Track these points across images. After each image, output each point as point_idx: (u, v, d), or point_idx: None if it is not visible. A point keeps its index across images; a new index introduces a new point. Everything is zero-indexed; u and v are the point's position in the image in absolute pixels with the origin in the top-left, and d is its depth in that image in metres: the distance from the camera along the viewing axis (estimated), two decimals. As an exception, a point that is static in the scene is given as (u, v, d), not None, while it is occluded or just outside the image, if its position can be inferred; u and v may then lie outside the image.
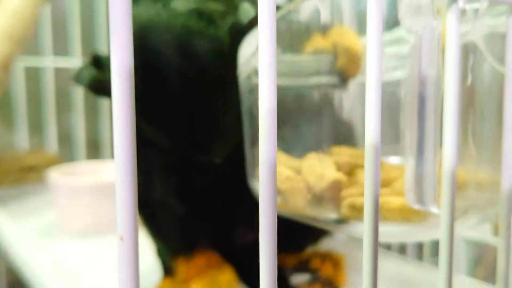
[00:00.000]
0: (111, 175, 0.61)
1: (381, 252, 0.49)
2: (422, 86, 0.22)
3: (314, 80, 0.30)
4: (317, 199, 0.25)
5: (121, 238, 0.13)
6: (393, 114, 0.24)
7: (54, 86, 0.82)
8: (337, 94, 0.30)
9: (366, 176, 0.17)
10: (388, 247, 0.53)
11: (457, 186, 0.24)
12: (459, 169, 0.24)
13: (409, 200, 0.22)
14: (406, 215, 0.23)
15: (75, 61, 0.83)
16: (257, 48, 0.28)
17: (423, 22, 0.20)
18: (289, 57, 0.30)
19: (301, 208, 0.26)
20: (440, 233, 0.20)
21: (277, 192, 0.27)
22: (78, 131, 0.85)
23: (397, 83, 0.24)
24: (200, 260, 0.34)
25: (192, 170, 0.35)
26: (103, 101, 0.88)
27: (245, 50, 0.29)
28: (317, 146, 0.28)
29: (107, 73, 0.32)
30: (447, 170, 0.19)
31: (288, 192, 0.26)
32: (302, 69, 0.30)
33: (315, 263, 0.38)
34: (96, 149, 0.88)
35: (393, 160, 0.25)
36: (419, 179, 0.21)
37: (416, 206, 0.22)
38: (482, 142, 0.24)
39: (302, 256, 0.40)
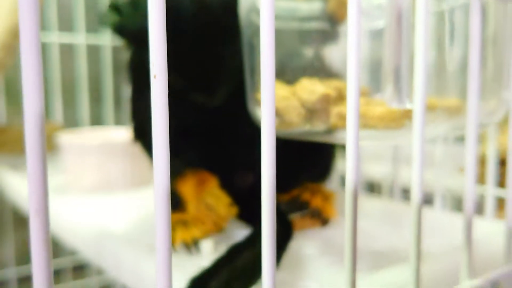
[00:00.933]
0: (117, 138, 0.64)
1: (370, 196, 0.52)
2: (400, 14, 0.25)
3: (307, 24, 0.34)
4: (310, 113, 0.29)
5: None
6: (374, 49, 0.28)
7: (59, 61, 0.85)
8: (328, 37, 0.34)
9: (349, 89, 0.21)
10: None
11: (430, 107, 0.28)
12: (432, 97, 0.28)
13: (388, 100, 0.25)
14: (386, 122, 0.27)
15: (80, 37, 0.87)
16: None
17: None
18: (284, 3, 0.34)
19: (296, 123, 0.30)
20: (413, 133, 0.23)
21: (275, 110, 0.31)
22: (82, 103, 0.88)
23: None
24: (192, 177, 0.39)
25: (197, 109, 0.39)
26: (105, 76, 0.91)
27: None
28: (310, 76, 0.32)
29: (126, 19, 0.36)
30: (418, 73, 0.23)
31: (284, 110, 0.30)
32: (296, 13, 0.34)
33: (306, 195, 0.42)
34: (98, 120, 0.92)
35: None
36: (397, 81, 0.25)
37: (394, 105, 0.25)
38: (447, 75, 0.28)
39: (294, 191, 0.43)
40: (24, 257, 0.86)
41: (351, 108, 0.21)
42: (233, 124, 0.40)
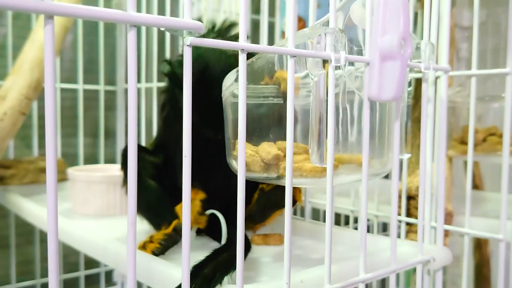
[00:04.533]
0: (116, 172, 0.79)
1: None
2: (320, 102, 0.42)
3: (267, 100, 0.50)
4: (267, 166, 0.45)
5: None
6: (306, 120, 0.44)
7: (60, 105, 1.00)
8: (279, 108, 0.50)
9: (287, 154, 0.37)
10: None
11: (338, 161, 0.45)
12: (341, 155, 0.45)
13: (314, 161, 0.42)
14: (313, 173, 0.44)
15: (79, 85, 1.02)
16: (235, 80, 0.48)
17: (319, 71, 0.41)
18: (252, 87, 0.50)
19: (257, 172, 0.46)
20: (327, 181, 0.40)
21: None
22: (78, 143, 1.03)
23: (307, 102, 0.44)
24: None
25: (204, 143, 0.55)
26: (100, 120, 1.06)
27: (226, 81, 0.49)
28: (268, 139, 0.48)
29: (175, 70, 0.57)
30: (329, 146, 0.40)
31: (250, 163, 0.46)
32: (260, 93, 0.50)
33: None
34: (93, 158, 1.06)
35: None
36: (318, 148, 0.41)
37: (317, 164, 0.42)
38: (356, 136, 0.45)
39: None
40: (25, 273, 0.99)
41: (288, 164, 0.38)
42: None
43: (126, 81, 1.08)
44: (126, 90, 1.08)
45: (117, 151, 1.10)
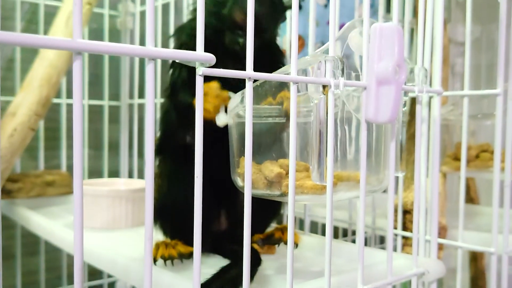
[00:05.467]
0: (122, 186, 0.82)
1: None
2: (321, 124, 0.45)
3: (270, 119, 0.53)
4: (270, 183, 0.48)
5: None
6: (306, 138, 0.47)
7: (66, 119, 1.02)
8: (281, 128, 0.53)
9: (290, 172, 0.40)
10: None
11: (337, 178, 0.47)
12: (340, 172, 0.47)
13: (315, 179, 0.44)
14: (314, 190, 0.46)
15: (84, 100, 1.05)
16: (240, 101, 0.51)
17: (319, 95, 0.44)
18: (256, 107, 0.53)
19: (261, 189, 0.49)
20: (327, 197, 0.43)
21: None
22: (83, 155, 1.05)
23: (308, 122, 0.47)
24: None
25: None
26: (104, 134, 1.09)
27: (231, 102, 0.52)
28: (271, 158, 0.51)
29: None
30: (329, 165, 0.42)
31: (254, 180, 0.49)
32: (263, 113, 0.53)
33: (278, 234, 0.62)
34: (97, 171, 1.09)
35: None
36: (318, 166, 0.44)
37: (318, 182, 0.44)
38: (354, 155, 0.48)
39: (267, 232, 0.63)
40: (30, 284, 1.01)
41: (291, 181, 0.40)
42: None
43: (130, 97, 1.11)
44: (130, 105, 1.11)
45: (120, 163, 1.12)
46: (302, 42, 1.02)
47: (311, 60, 0.43)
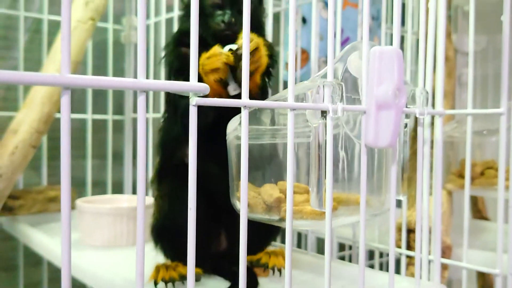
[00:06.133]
0: (123, 203, 0.81)
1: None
2: (319, 149, 0.44)
3: (270, 140, 0.52)
4: (268, 208, 0.47)
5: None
6: (305, 162, 0.46)
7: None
8: (281, 149, 0.52)
9: (288, 199, 0.39)
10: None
11: (338, 202, 0.47)
12: (338, 194, 0.46)
13: (314, 205, 0.44)
14: (313, 216, 0.45)
15: (88, 115, 1.05)
16: (239, 124, 0.50)
17: (317, 120, 0.43)
18: (255, 127, 0.53)
19: (260, 213, 0.48)
20: (326, 223, 0.42)
21: (247, 204, 0.49)
22: (86, 172, 1.05)
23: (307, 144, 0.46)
24: None
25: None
26: (108, 147, 1.08)
27: (231, 124, 0.51)
28: (270, 181, 0.50)
29: None
30: (328, 191, 0.42)
31: (253, 205, 0.48)
32: (266, 133, 0.52)
33: (265, 259, 0.61)
34: (101, 189, 1.08)
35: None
36: (318, 191, 0.43)
37: (317, 208, 0.44)
38: (352, 178, 0.47)
39: (254, 256, 0.62)
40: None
41: (289, 210, 0.40)
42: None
43: (134, 111, 1.11)
44: (134, 120, 1.11)
45: (124, 176, 1.12)
46: (306, 56, 1.02)
47: (309, 85, 0.43)
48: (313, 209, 0.45)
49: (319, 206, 0.44)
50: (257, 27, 0.62)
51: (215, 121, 0.55)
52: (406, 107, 0.50)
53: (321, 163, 0.44)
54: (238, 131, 0.51)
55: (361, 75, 0.46)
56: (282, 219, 0.47)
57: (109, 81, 0.30)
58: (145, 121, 0.31)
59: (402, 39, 1.18)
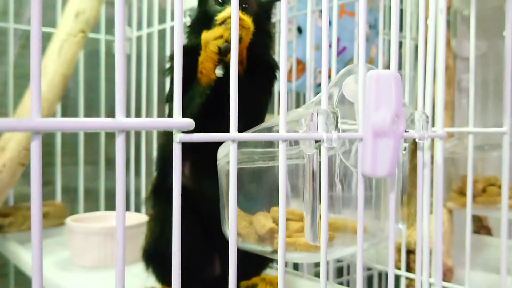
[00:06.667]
0: (114, 221, 0.79)
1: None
2: (314, 179, 0.42)
3: (263, 163, 0.50)
4: (261, 239, 0.45)
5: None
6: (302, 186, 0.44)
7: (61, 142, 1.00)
8: (275, 173, 0.50)
9: (280, 230, 0.37)
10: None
11: (334, 228, 0.44)
12: (335, 220, 0.44)
13: (308, 239, 0.42)
14: (307, 248, 0.43)
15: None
16: (227, 152, 0.48)
17: (312, 149, 0.41)
18: (249, 151, 0.50)
19: (252, 244, 0.46)
20: (321, 256, 0.40)
21: (239, 234, 0.47)
22: (78, 180, 1.03)
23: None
24: None
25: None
26: (101, 159, 1.06)
27: (221, 150, 0.49)
28: (263, 207, 0.48)
29: None
30: (323, 228, 0.39)
31: (245, 235, 0.46)
32: (258, 156, 0.50)
33: (262, 286, 0.59)
34: (94, 198, 1.06)
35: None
36: (311, 224, 0.41)
37: (311, 242, 0.41)
38: (349, 202, 0.45)
39: (250, 281, 0.60)
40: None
41: (281, 243, 0.37)
42: None
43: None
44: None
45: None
46: (302, 67, 0.99)
47: (302, 113, 0.41)
48: (305, 242, 0.43)
49: (314, 240, 0.42)
50: (264, 34, 0.61)
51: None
52: (406, 131, 0.48)
53: (315, 194, 0.42)
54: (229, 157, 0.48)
55: (357, 100, 0.44)
56: (275, 251, 0.45)
57: (84, 122, 0.27)
58: (124, 162, 0.29)
59: (401, 44, 1.16)
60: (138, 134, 1.05)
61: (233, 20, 0.34)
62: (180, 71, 0.31)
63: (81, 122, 0.27)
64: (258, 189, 0.49)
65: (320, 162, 0.40)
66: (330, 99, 0.44)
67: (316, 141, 0.40)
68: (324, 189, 0.39)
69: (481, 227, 0.96)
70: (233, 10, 0.34)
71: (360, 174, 0.42)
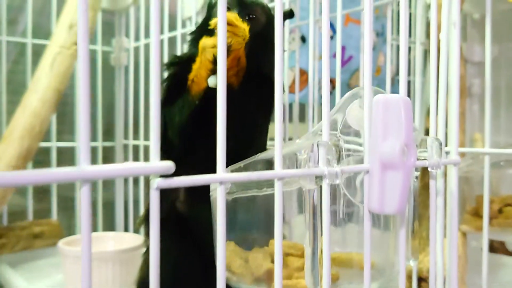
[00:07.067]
0: (109, 245, 0.75)
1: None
2: (314, 217, 0.38)
3: (260, 191, 0.46)
4: (258, 280, 0.41)
5: None
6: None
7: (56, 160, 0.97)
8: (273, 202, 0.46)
9: (276, 274, 0.33)
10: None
11: (338, 263, 0.40)
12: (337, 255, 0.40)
13: (308, 283, 0.37)
14: (309, 291, 0.39)
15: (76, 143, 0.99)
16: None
17: (312, 185, 0.36)
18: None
19: (248, 285, 0.42)
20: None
21: (233, 273, 0.43)
22: (75, 201, 0.99)
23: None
24: None
25: None
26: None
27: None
28: (261, 240, 0.44)
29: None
30: (325, 269, 0.35)
31: (240, 274, 0.42)
32: (253, 185, 0.46)
33: None
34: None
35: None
36: (312, 268, 0.37)
37: (311, 286, 0.37)
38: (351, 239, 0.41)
39: None
40: None
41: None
42: None
43: (125, 137, 1.05)
44: (125, 146, 1.05)
45: (116, 198, 1.06)
46: (306, 78, 0.95)
47: (302, 144, 0.36)
48: (305, 286, 0.39)
49: (315, 285, 0.37)
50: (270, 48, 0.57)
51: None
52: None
53: (316, 234, 0.38)
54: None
55: (362, 127, 0.39)
56: (274, 293, 0.41)
57: (48, 173, 0.23)
58: (90, 215, 0.25)
59: (409, 49, 1.11)
60: (136, 149, 1.01)
61: (220, 27, 0.30)
62: (157, 102, 0.27)
63: (44, 174, 0.23)
64: (255, 220, 0.45)
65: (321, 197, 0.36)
66: (333, 127, 0.40)
67: (317, 176, 0.36)
68: (326, 230, 0.35)
69: (499, 244, 0.91)
70: (219, 16, 0.30)
71: (367, 210, 0.38)
